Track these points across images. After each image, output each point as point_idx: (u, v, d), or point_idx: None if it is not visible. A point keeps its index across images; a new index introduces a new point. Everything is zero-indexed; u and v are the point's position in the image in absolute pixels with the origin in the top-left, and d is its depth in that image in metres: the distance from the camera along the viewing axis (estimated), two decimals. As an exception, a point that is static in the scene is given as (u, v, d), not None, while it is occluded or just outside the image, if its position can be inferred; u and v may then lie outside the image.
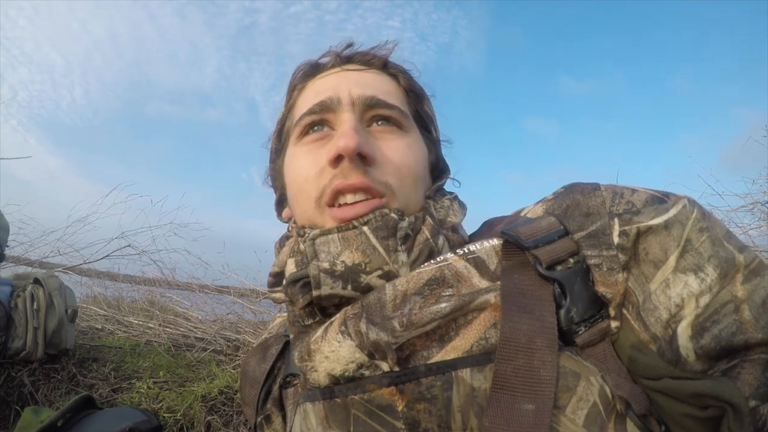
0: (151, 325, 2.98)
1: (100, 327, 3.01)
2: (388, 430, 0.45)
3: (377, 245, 0.51)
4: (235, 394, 2.04)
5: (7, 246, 2.09)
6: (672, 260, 0.43)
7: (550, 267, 0.46)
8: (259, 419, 0.65)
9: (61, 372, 2.14)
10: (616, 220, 0.46)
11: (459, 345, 0.45)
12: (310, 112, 0.59)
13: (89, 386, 2.11)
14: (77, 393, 2.02)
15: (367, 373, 0.47)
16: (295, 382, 0.62)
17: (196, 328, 2.96)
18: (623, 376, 0.43)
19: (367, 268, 0.50)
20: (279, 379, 0.65)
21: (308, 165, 0.57)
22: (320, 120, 0.59)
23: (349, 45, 0.66)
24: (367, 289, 0.50)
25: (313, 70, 0.66)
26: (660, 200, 0.46)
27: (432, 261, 0.50)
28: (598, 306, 0.45)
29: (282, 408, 0.64)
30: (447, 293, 0.47)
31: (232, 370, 2.31)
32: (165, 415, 1.90)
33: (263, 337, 0.74)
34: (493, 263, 0.49)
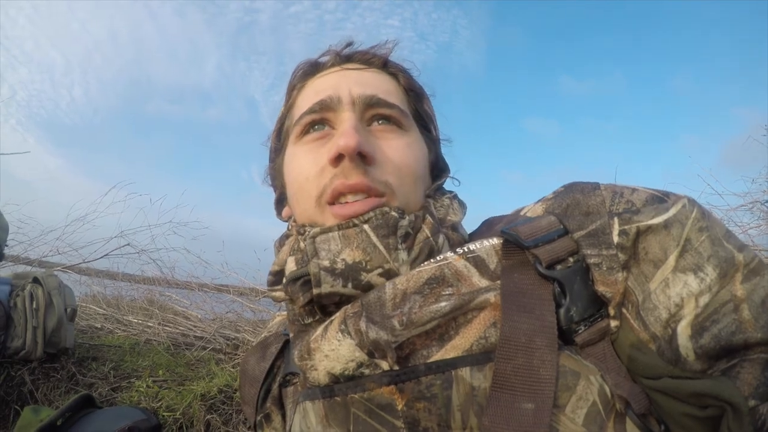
0: (151, 324, 2.98)
1: (99, 326, 3.01)
2: (388, 428, 0.45)
3: (378, 243, 0.51)
4: (235, 393, 2.04)
5: (7, 245, 2.09)
6: (671, 260, 0.43)
7: (550, 266, 0.46)
8: (258, 418, 0.65)
9: (61, 371, 2.14)
10: (616, 220, 0.46)
11: (459, 344, 0.45)
12: (310, 111, 0.58)
13: (89, 385, 2.11)
14: (77, 392, 2.03)
15: (366, 371, 0.47)
16: (294, 380, 0.62)
17: (195, 326, 2.96)
18: (623, 376, 0.43)
19: (368, 266, 0.50)
20: (278, 377, 0.65)
21: (308, 164, 0.57)
22: (320, 119, 0.58)
23: (349, 44, 0.66)
24: (368, 287, 0.50)
25: (312, 69, 0.65)
26: (660, 200, 0.46)
27: (432, 260, 0.50)
28: (598, 305, 0.45)
29: (281, 407, 0.64)
30: (447, 292, 0.47)
31: (232, 369, 2.31)
32: (164, 413, 1.90)
33: (263, 335, 0.74)
34: (492, 262, 0.49)
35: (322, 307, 0.54)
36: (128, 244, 3.89)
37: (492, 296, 0.46)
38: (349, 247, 0.50)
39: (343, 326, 0.49)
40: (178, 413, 1.91)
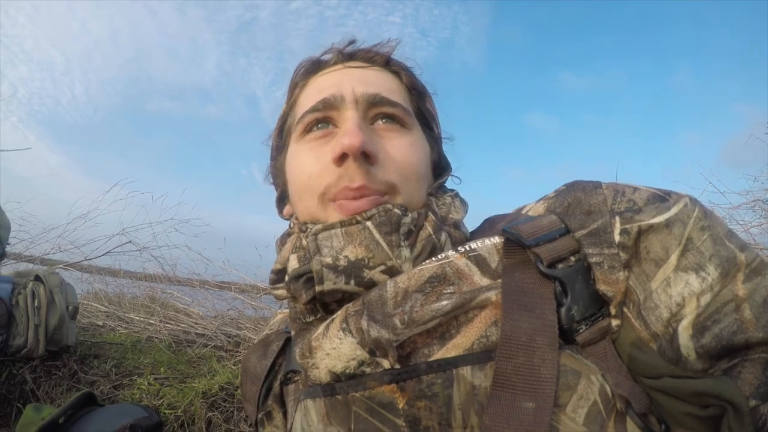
0: (152, 322, 2.99)
1: (101, 323, 3.02)
2: (389, 427, 0.45)
3: (380, 240, 0.51)
4: (236, 390, 2.04)
5: (8, 243, 2.09)
6: (673, 259, 0.43)
7: (552, 265, 0.46)
8: (260, 416, 0.66)
9: (63, 369, 2.15)
10: (618, 219, 0.46)
11: (460, 343, 0.45)
12: (313, 109, 0.58)
13: (90, 383, 2.12)
14: (78, 390, 2.03)
15: (368, 370, 0.48)
16: (296, 378, 0.62)
17: (196, 324, 2.96)
18: (624, 375, 0.43)
19: (370, 263, 0.50)
20: (280, 375, 0.65)
21: (311, 162, 0.57)
22: (323, 117, 0.58)
23: (351, 42, 0.66)
24: (370, 284, 0.50)
25: (315, 67, 0.65)
26: (661, 199, 0.46)
27: (433, 258, 0.50)
28: (599, 304, 0.45)
29: (283, 404, 0.64)
30: (448, 291, 0.47)
31: (233, 366, 2.32)
32: (166, 411, 1.91)
33: (264, 333, 0.75)
34: (494, 261, 0.49)
35: (325, 305, 0.54)
36: (130, 242, 3.90)
37: (493, 295, 0.46)
38: (352, 244, 0.50)
39: (344, 324, 0.49)
40: (179, 411, 1.91)
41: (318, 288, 0.51)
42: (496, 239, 0.51)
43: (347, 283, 0.50)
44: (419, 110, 0.64)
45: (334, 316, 0.51)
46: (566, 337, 0.44)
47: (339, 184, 0.53)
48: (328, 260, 0.50)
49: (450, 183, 0.68)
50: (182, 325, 2.95)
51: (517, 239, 0.48)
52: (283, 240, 0.62)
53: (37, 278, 2.05)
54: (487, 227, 0.60)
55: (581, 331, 0.44)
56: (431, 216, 0.55)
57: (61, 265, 3.67)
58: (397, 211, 0.52)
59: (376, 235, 0.51)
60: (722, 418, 0.38)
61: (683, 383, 0.40)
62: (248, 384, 0.68)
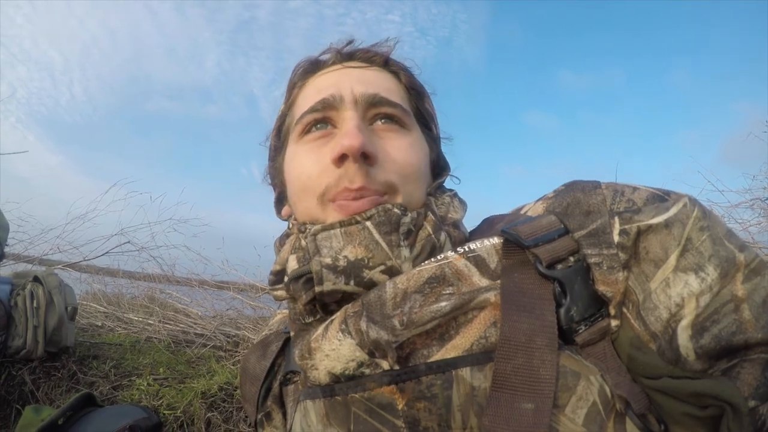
0: (151, 322, 2.98)
1: (100, 324, 3.01)
2: (389, 428, 0.45)
3: (380, 240, 0.50)
4: (235, 391, 2.04)
5: (7, 245, 2.09)
6: (672, 259, 0.43)
7: (551, 266, 0.46)
8: (259, 416, 0.66)
9: (62, 370, 2.15)
10: (617, 219, 0.46)
11: (459, 344, 0.45)
12: (312, 110, 0.58)
13: (90, 384, 2.12)
14: (78, 391, 2.03)
15: (367, 371, 0.47)
16: (295, 379, 0.62)
17: (195, 324, 2.96)
18: (623, 375, 0.43)
19: (370, 264, 0.50)
20: (279, 376, 0.65)
21: (311, 163, 0.57)
22: (322, 118, 0.58)
23: (350, 42, 0.65)
24: (370, 284, 0.50)
25: (313, 67, 0.65)
26: (661, 198, 0.46)
27: (432, 259, 0.50)
28: (598, 305, 0.45)
29: (282, 405, 0.64)
30: (447, 292, 0.47)
31: (232, 367, 2.31)
32: (165, 412, 1.91)
33: (263, 333, 0.74)
34: (493, 262, 0.49)
35: (324, 306, 0.54)
36: (128, 242, 3.89)
37: (492, 296, 0.46)
38: (351, 244, 0.50)
39: (343, 326, 0.49)
40: (178, 411, 1.91)
41: (317, 288, 0.50)
42: (495, 240, 0.51)
43: (347, 283, 0.50)
44: (418, 110, 0.64)
45: (333, 317, 0.51)
46: (565, 337, 0.44)
47: (339, 184, 0.53)
48: (328, 261, 0.50)
49: (449, 183, 0.68)
50: (181, 325, 2.94)
51: (516, 240, 0.48)
52: (281, 241, 0.61)
53: (36, 279, 2.05)
54: (485, 227, 0.59)
55: (580, 331, 0.44)
56: (431, 216, 0.55)
57: (59, 266, 3.66)
58: (396, 210, 0.52)
59: (376, 235, 0.51)
60: (721, 418, 0.39)
61: (682, 383, 0.40)
62: (247, 384, 0.68)
